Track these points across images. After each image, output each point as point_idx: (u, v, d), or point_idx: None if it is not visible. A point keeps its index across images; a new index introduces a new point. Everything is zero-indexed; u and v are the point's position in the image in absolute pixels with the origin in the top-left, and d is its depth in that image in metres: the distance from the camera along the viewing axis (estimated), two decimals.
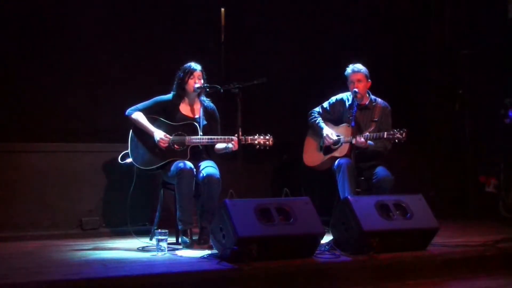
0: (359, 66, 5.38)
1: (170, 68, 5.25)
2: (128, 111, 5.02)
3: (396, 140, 5.05)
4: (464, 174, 7.24)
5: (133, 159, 4.95)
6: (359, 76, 5.33)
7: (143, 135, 4.99)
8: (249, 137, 4.86)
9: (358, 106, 5.33)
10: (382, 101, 5.49)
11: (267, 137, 4.90)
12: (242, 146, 4.75)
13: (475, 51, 7.16)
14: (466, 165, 7.24)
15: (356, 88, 5.30)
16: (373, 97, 5.49)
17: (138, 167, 4.95)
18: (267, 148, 4.91)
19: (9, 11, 5.61)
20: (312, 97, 6.18)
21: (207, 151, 5.12)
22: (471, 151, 7.23)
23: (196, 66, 5.06)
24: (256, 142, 4.87)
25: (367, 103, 5.45)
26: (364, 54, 6.63)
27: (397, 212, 4.47)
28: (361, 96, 5.35)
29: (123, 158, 5.02)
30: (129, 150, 4.98)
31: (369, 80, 5.39)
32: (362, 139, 5.14)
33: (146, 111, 5.03)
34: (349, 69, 5.39)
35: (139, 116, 5.00)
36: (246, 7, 6.46)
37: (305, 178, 5.77)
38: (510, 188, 6.67)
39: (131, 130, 5.02)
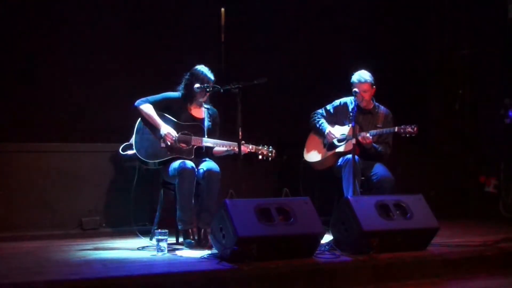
0: (365, 76, 5.33)
1: (170, 68, 5.27)
2: (138, 102, 5.00)
3: (407, 135, 5.08)
4: (464, 174, 7.24)
5: (137, 151, 4.92)
6: (365, 87, 5.32)
7: (150, 128, 4.98)
8: (254, 146, 4.96)
9: (360, 108, 5.32)
10: (384, 108, 5.51)
11: (270, 149, 5.05)
12: (247, 153, 4.86)
13: (475, 51, 7.16)
14: (466, 165, 7.25)
15: (363, 97, 5.31)
16: (376, 103, 5.50)
17: (141, 159, 4.92)
18: (269, 160, 5.02)
19: (9, 11, 5.60)
20: (312, 97, 6.20)
21: (209, 153, 5.15)
22: (471, 151, 7.23)
23: (212, 76, 5.04)
24: (259, 152, 5.00)
25: (370, 108, 5.45)
26: (364, 53, 6.66)
27: (397, 212, 4.47)
28: (366, 103, 5.38)
29: (124, 150, 5.01)
30: (133, 142, 4.95)
31: (373, 86, 5.38)
32: (368, 135, 5.17)
33: (154, 105, 5.01)
34: (355, 78, 5.35)
35: (148, 108, 4.98)
36: (246, 7, 6.45)
37: (305, 178, 5.77)
38: (510, 188, 6.67)
39: (138, 121, 4.99)
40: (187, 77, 5.09)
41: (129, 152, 4.98)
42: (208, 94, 5.06)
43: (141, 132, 5.00)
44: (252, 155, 4.97)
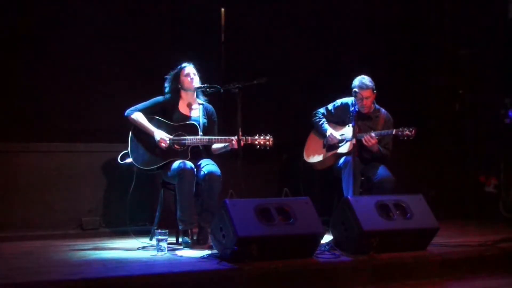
0: (366, 82, 5.29)
1: (170, 68, 5.25)
2: (127, 112, 5.03)
3: (405, 137, 5.08)
4: (464, 174, 7.24)
5: (133, 159, 4.95)
6: (367, 94, 5.29)
7: (143, 135, 4.99)
8: (250, 137, 4.88)
9: (360, 113, 5.31)
10: (385, 111, 5.49)
11: (267, 138, 4.92)
12: (243, 146, 4.75)
13: (475, 51, 7.16)
14: (466, 165, 7.24)
15: (365, 105, 5.30)
16: (377, 106, 5.49)
17: (138, 167, 4.95)
18: (268, 148, 4.93)
19: (8, 11, 5.60)
20: (312, 97, 6.20)
21: (207, 151, 5.13)
22: (471, 151, 7.23)
23: (185, 63, 5.09)
24: (256, 142, 4.90)
25: (370, 112, 5.44)
26: (364, 54, 6.66)
27: (397, 212, 4.47)
28: (367, 109, 5.37)
29: (123, 158, 5.02)
30: (129, 150, 4.98)
31: (375, 92, 5.36)
32: (373, 134, 5.16)
33: (145, 112, 5.03)
34: (356, 84, 5.31)
35: (138, 116, 5.00)
36: (246, 7, 6.45)
37: (305, 178, 5.77)
38: (510, 188, 6.67)
39: (131, 131, 5.02)
40: (168, 77, 5.14)
41: (128, 160, 4.99)
42: (192, 80, 5.05)
43: (135, 140, 5.01)
44: (250, 148, 4.93)
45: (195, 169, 4.86)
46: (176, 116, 5.05)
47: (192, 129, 5.00)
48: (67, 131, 5.75)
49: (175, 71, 5.10)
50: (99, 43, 5.87)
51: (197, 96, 5.17)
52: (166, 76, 5.15)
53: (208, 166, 4.89)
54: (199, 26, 6.25)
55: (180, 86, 5.08)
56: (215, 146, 5.08)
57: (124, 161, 5.01)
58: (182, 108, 5.11)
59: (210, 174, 4.80)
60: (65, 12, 5.77)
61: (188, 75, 5.06)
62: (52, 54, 5.72)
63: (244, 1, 6.47)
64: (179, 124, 5.02)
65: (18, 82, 5.63)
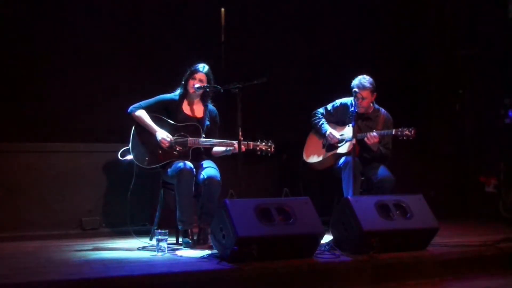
0: (365, 83, 5.27)
1: (170, 68, 5.26)
2: (131, 108, 5.01)
3: (405, 137, 5.08)
4: (464, 174, 7.24)
5: (134, 157, 4.94)
6: (364, 94, 5.26)
7: (146, 133, 4.98)
8: (252, 143, 4.88)
9: (359, 113, 5.30)
10: (385, 111, 5.48)
11: (269, 144, 4.92)
12: (244, 151, 4.74)
13: (475, 51, 7.16)
14: (466, 165, 7.24)
15: (360, 104, 5.28)
16: (377, 106, 5.48)
17: (138, 165, 4.94)
18: (269, 155, 4.93)
19: (8, 11, 5.60)
20: (312, 97, 6.19)
21: (208, 152, 5.13)
22: (471, 151, 7.23)
23: (201, 67, 5.04)
24: (258, 148, 4.90)
25: (370, 112, 5.43)
26: (364, 54, 6.66)
27: (397, 212, 4.48)
28: (364, 110, 5.35)
29: (123, 155, 5.01)
30: (130, 147, 4.97)
31: (374, 93, 5.34)
32: (375, 133, 5.15)
33: (148, 109, 5.02)
34: (355, 83, 5.29)
35: (142, 114, 4.99)
36: (246, 7, 6.45)
37: (305, 178, 5.77)
38: (510, 188, 6.67)
39: (133, 127, 5.01)
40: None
41: (128, 157, 4.98)
42: (193, 84, 5.01)
43: (137, 137, 4.99)
44: (251, 152, 4.93)
45: (195, 170, 4.85)
46: (180, 116, 5.04)
47: (194, 130, 4.99)
48: (67, 131, 5.75)
49: (188, 71, 5.05)
50: (99, 43, 5.86)
51: (203, 98, 5.15)
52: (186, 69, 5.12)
53: (208, 170, 4.87)
54: (199, 26, 6.25)
55: (186, 87, 5.07)
56: (216, 149, 5.08)
57: (124, 158, 5.00)
58: (186, 108, 5.11)
59: (209, 178, 4.79)
60: (65, 12, 5.77)
61: (194, 79, 5.02)
62: (52, 54, 5.72)
63: (244, 1, 6.47)
64: (182, 125, 5.01)
65: (19, 83, 5.63)
